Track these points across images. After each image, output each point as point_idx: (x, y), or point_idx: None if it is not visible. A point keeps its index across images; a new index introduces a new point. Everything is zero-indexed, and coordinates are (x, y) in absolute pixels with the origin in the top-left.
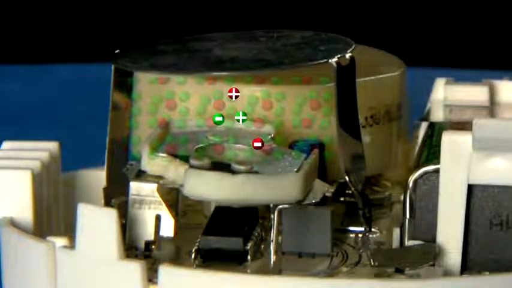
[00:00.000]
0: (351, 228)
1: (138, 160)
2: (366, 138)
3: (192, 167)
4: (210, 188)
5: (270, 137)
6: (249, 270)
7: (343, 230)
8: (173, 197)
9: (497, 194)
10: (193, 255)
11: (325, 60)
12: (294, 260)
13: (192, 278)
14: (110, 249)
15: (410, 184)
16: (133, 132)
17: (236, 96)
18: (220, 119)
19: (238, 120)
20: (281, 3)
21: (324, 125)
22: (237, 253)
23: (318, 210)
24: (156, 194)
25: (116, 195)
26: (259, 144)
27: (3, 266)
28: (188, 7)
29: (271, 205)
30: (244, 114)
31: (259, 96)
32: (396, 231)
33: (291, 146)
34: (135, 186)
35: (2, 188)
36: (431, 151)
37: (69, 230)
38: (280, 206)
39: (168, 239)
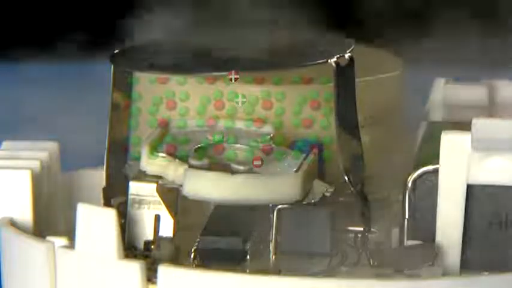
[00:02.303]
0: (350, 228)
1: (138, 160)
2: (365, 138)
3: (191, 167)
4: (209, 188)
5: (270, 137)
6: (248, 270)
7: (343, 230)
8: (173, 197)
9: (496, 194)
10: (192, 255)
11: (325, 60)
12: (294, 260)
13: (191, 278)
14: (109, 249)
15: (410, 184)
16: (133, 132)
17: (235, 79)
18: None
19: (238, 102)
20: (281, 4)
21: (324, 125)
22: (236, 253)
23: (317, 210)
24: (156, 194)
25: (116, 195)
26: (258, 162)
27: (3, 266)
28: (188, 6)
29: (271, 205)
30: (244, 97)
31: (259, 96)
32: (396, 231)
33: (291, 146)
34: (134, 186)
35: (2, 188)
36: (430, 151)
37: (69, 230)
38: (280, 206)
39: (167, 239)
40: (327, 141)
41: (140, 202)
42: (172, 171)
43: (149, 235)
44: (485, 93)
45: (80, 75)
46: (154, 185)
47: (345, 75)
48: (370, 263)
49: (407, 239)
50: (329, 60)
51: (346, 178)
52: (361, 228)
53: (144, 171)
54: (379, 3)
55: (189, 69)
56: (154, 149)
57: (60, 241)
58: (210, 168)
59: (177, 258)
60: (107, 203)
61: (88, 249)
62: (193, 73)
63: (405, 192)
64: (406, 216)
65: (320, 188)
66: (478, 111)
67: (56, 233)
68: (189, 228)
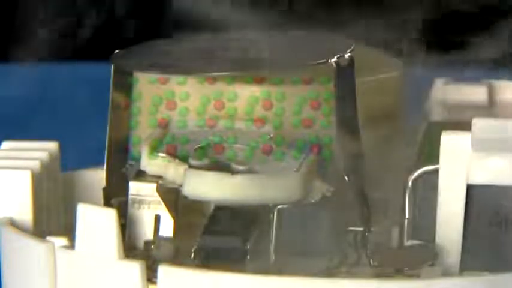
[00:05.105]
0: (350, 228)
1: (138, 160)
2: (365, 138)
3: (191, 167)
4: (209, 188)
5: (269, 137)
6: (248, 270)
7: (343, 230)
8: (173, 197)
9: (496, 194)
10: (193, 255)
11: (325, 60)
12: (294, 260)
13: (191, 278)
14: (109, 249)
15: (410, 184)
16: (133, 132)
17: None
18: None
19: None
20: (281, 3)
21: (324, 125)
22: (236, 253)
23: (317, 210)
24: (156, 194)
25: (116, 195)
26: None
27: (3, 266)
28: (188, 6)
29: (271, 205)
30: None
31: (259, 96)
32: (396, 231)
33: (291, 146)
34: (134, 186)
35: (2, 188)
36: (430, 151)
37: (69, 230)
38: (280, 206)
39: (167, 239)
40: (327, 141)
41: (140, 202)
42: (173, 171)
43: (149, 235)
44: (486, 93)
45: (80, 74)
46: (154, 185)
47: (345, 75)
48: (370, 263)
49: (407, 239)
50: (329, 60)
51: (346, 178)
52: (361, 228)
53: (144, 171)
54: None
55: (189, 69)
56: (154, 149)
57: (60, 241)
58: (210, 168)
59: (177, 258)
60: (107, 203)
61: (88, 249)
62: (193, 73)
63: (405, 192)
64: (406, 216)
65: (320, 188)
66: (478, 112)
67: (56, 233)
68: (189, 228)
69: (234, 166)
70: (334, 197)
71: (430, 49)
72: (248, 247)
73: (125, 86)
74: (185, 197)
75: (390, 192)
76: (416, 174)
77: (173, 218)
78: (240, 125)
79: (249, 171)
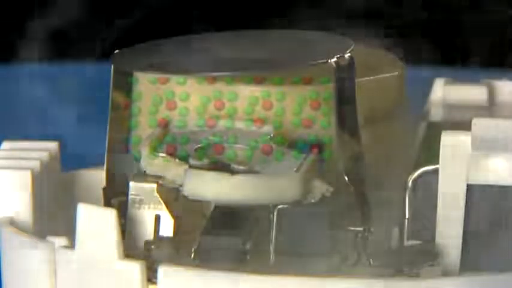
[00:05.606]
0: (350, 228)
1: (138, 160)
2: (365, 138)
3: (191, 167)
4: (209, 188)
5: (269, 137)
6: (248, 270)
7: (343, 230)
8: (173, 197)
9: (496, 194)
10: (192, 255)
11: (325, 60)
12: (294, 260)
13: (191, 278)
14: (109, 249)
15: (410, 184)
16: (133, 132)
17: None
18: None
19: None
20: (281, 3)
21: (324, 125)
22: (236, 253)
23: (317, 210)
24: (156, 194)
25: (116, 195)
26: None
27: (3, 265)
28: (188, 7)
29: (271, 205)
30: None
31: (259, 96)
32: (395, 231)
33: (291, 146)
34: (134, 186)
35: (2, 188)
36: (430, 151)
37: (69, 230)
38: (280, 206)
39: (167, 239)
40: (327, 141)
41: (140, 202)
42: (173, 171)
43: (149, 235)
44: (485, 93)
45: (80, 74)
46: (154, 185)
47: (345, 75)
48: (370, 263)
49: (407, 239)
50: (329, 60)
51: (346, 178)
52: (361, 228)
53: (144, 171)
54: None
55: (189, 69)
56: (154, 149)
57: (60, 241)
58: (210, 168)
59: (177, 259)
60: (107, 203)
61: (88, 249)
62: (193, 73)
63: (405, 192)
64: (406, 216)
65: (320, 188)
66: (478, 112)
67: (56, 233)
68: (189, 228)
69: (234, 166)
70: (334, 197)
71: (430, 49)
72: (248, 247)
73: (125, 86)
74: (185, 197)
75: (390, 192)
76: (416, 174)
77: (173, 218)
78: (240, 125)
79: (249, 171)
